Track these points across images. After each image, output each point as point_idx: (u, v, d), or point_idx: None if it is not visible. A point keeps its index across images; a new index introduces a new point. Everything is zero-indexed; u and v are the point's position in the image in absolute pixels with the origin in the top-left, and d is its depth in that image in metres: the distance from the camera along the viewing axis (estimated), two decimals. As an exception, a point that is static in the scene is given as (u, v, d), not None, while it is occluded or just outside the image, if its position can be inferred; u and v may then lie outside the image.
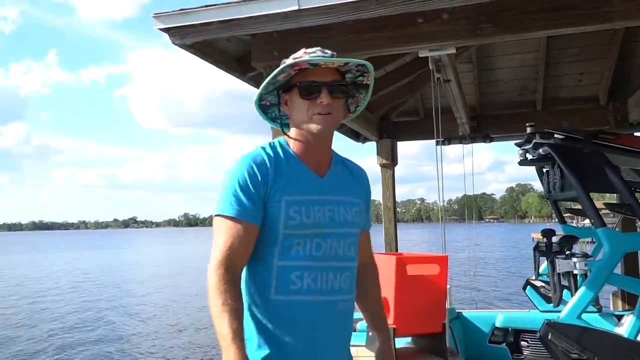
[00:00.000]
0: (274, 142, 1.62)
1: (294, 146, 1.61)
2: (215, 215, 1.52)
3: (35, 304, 17.83)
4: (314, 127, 1.56)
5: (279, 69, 1.53)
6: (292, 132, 1.62)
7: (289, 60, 1.55)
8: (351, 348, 2.80)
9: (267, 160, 1.54)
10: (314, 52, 1.56)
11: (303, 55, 1.55)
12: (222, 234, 1.48)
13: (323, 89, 1.54)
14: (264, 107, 1.68)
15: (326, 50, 1.58)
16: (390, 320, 2.55)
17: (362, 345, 2.84)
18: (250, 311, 1.55)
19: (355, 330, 4.54)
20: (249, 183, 1.50)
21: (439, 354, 2.63)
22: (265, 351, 1.51)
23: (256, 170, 1.51)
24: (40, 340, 11.96)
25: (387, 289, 2.58)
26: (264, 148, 1.58)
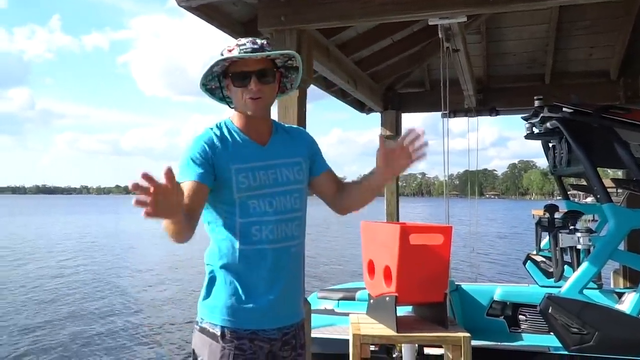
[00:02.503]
0: (220, 123, 1.92)
1: (237, 122, 1.91)
2: None
3: (57, 265, 17.98)
4: (247, 109, 1.86)
5: (213, 62, 1.79)
6: (236, 111, 1.92)
7: (225, 53, 1.80)
8: (353, 315, 2.81)
9: (214, 137, 1.84)
10: (244, 45, 1.80)
11: (235, 47, 1.80)
12: None
13: (252, 77, 1.81)
14: (211, 90, 1.94)
15: (257, 41, 1.83)
16: (392, 289, 2.54)
17: (364, 313, 2.85)
18: (221, 261, 1.83)
19: (354, 299, 4.55)
20: (198, 155, 1.79)
21: (440, 323, 2.62)
22: (234, 288, 1.80)
23: (206, 147, 1.81)
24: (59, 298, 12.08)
25: (390, 257, 2.56)
26: (211, 128, 1.89)
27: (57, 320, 10.25)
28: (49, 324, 9.85)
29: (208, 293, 1.85)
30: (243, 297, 1.81)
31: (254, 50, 1.79)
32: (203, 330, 1.83)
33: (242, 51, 1.79)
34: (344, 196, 2.04)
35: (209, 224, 1.89)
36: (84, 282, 14.75)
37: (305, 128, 3.73)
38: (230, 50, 1.80)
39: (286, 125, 2.07)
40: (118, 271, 16.83)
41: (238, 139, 1.88)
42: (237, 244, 1.81)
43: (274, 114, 3.47)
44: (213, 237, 1.88)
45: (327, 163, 2.08)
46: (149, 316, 10.66)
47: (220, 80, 1.90)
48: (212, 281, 1.85)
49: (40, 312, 10.92)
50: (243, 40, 1.82)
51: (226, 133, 1.88)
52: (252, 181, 1.82)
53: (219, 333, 1.79)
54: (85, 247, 24.44)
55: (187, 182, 1.75)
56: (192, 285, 13.45)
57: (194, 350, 1.86)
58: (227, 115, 1.97)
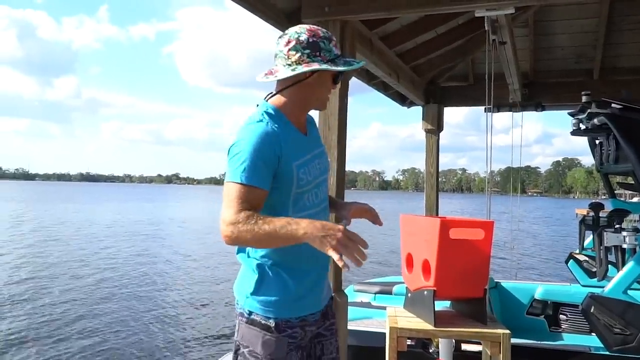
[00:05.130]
0: (269, 112, 1.82)
1: (286, 111, 1.85)
2: (230, 182, 1.70)
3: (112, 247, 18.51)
4: (322, 105, 1.92)
5: (359, 65, 1.85)
6: (294, 100, 1.86)
7: (335, 50, 1.83)
8: (390, 308, 2.80)
9: (275, 135, 1.76)
10: (345, 57, 1.88)
11: (335, 47, 1.84)
12: (238, 197, 1.67)
13: (341, 79, 1.91)
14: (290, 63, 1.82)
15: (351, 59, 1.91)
16: (431, 283, 2.52)
17: (401, 307, 2.84)
18: (272, 255, 1.82)
19: (391, 293, 4.54)
20: (266, 153, 1.71)
21: (479, 319, 2.59)
22: (286, 281, 1.83)
23: (271, 142, 1.73)
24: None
25: (429, 251, 2.54)
26: (267, 123, 1.78)
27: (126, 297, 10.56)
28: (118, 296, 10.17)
29: (259, 287, 1.84)
30: (294, 289, 1.85)
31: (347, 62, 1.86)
32: (253, 323, 1.83)
33: (346, 64, 1.83)
34: None
35: None
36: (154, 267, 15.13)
37: (346, 119, 3.73)
38: (336, 46, 1.85)
39: None
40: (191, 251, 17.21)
41: (291, 131, 1.85)
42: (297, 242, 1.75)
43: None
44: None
45: None
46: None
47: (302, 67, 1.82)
48: (262, 276, 1.84)
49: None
50: (336, 49, 1.85)
51: (281, 126, 1.81)
52: (308, 175, 1.83)
53: (273, 325, 1.81)
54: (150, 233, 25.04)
55: (253, 189, 1.69)
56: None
57: (238, 342, 1.87)
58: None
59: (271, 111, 1.83)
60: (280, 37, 1.85)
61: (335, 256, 1.53)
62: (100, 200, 67.17)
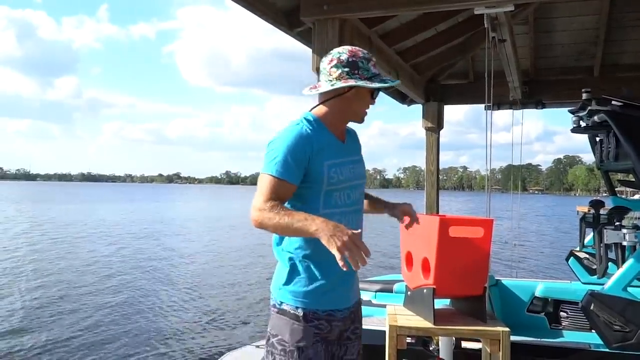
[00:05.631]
0: (307, 118, 2.04)
1: (325, 120, 2.06)
2: (264, 173, 1.92)
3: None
4: (360, 118, 2.11)
5: (393, 83, 2.07)
6: (333, 111, 2.06)
7: (372, 69, 2.04)
8: (390, 306, 2.81)
9: (310, 134, 1.97)
10: (380, 75, 2.05)
11: (372, 66, 2.04)
12: (269, 187, 1.89)
13: (376, 95, 2.10)
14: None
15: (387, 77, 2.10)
16: (430, 281, 2.52)
17: (401, 305, 2.85)
18: (302, 249, 1.99)
19: (392, 292, 4.54)
20: (297, 152, 1.92)
21: (479, 317, 2.59)
22: (314, 274, 1.98)
23: (304, 143, 1.94)
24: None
25: (429, 249, 2.54)
26: (304, 125, 2.00)
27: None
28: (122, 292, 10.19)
29: (290, 279, 2.00)
30: (323, 282, 1.99)
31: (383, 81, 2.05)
32: (283, 312, 2.00)
33: (381, 82, 2.01)
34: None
35: None
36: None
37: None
38: (374, 66, 2.05)
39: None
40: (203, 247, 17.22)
41: (327, 136, 2.05)
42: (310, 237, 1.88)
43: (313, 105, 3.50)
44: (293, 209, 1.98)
45: None
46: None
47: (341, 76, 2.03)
48: (293, 268, 2.00)
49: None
50: (374, 69, 2.04)
51: (317, 131, 2.02)
52: (340, 175, 2.01)
53: (301, 314, 1.97)
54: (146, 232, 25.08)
55: (280, 181, 1.90)
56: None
57: (269, 332, 2.03)
58: (288, 113, 2.13)
59: (310, 118, 2.05)
60: (325, 56, 2.09)
61: (337, 255, 1.66)
62: (108, 200, 67.22)
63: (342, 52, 2.04)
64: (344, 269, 1.67)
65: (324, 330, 2.00)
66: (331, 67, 2.03)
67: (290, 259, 2.02)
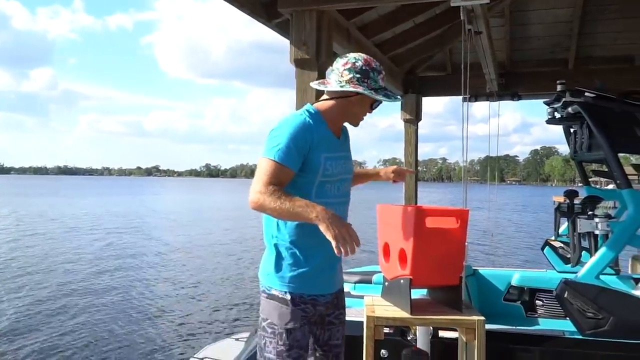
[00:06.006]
0: (310, 111, 2.17)
1: (326, 117, 2.19)
2: (266, 158, 2.03)
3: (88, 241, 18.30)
4: (357, 122, 2.27)
5: (396, 100, 2.29)
6: (335, 109, 2.20)
7: (380, 82, 2.19)
8: (367, 297, 2.83)
9: (312, 126, 2.11)
10: (394, 95, 2.23)
11: (382, 78, 2.20)
12: (269, 172, 2.00)
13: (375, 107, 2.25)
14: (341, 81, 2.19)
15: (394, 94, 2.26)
16: (407, 272, 2.55)
17: (378, 295, 2.87)
18: (290, 236, 2.12)
19: (371, 282, 4.57)
20: (299, 140, 2.04)
21: (455, 306, 2.63)
22: (301, 261, 2.12)
23: (306, 132, 2.07)
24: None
25: (405, 240, 2.57)
26: (306, 117, 2.14)
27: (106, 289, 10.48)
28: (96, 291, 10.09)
29: (277, 264, 2.14)
30: (307, 268, 2.13)
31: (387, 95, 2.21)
32: (272, 297, 2.13)
33: (386, 96, 2.18)
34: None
35: None
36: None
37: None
38: (383, 79, 2.21)
39: None
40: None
41: (325, 130, 2.18)
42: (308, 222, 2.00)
43: (294, 96, 3.49)
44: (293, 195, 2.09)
45: None
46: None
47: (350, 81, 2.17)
48: (280, 254, 2.14)
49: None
50: (382, 69, 2.21)
51: (317, 124, 2.15)
52: (334, 168, 2.15)
53: (289, 298, 2.10)
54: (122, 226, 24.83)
55: (282, 166, 2.02)
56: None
57: (260, 317, 2.16)
58: (268, 107, 2.26)
59: (312, 110, 2.19)
60: (340, 57, 2.21)
61: (333, 242, 1.82)
62: (88, 194, 66.28)
63: (358, 59, 2.16)
64: (337, 255, 1.83)
65: (309, 313, 2.14)
66: (344, 70, 2.15)
67: (276, 245, 2.15)
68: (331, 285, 2.26)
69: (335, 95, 2.20)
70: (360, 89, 2.13)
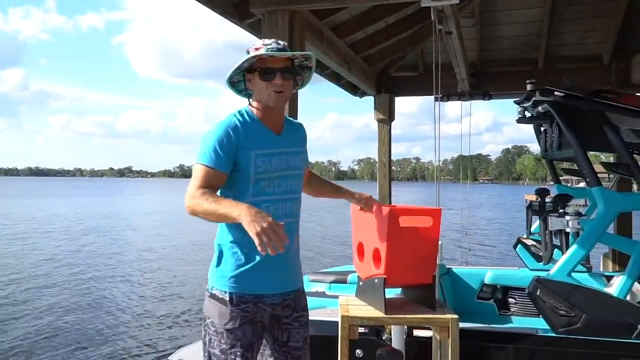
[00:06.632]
0: (241, 110, 2.16)
1: (257, 113, 2.16)
2: (197, 163, 2.06)
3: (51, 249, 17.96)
4: (271, 101, 2.12)
5: (243, 59, 2.06)
6: (255, 102, 2.17)
7: (252, 52, 2.07)
8: (342, 297, 2.82)
9: (238, 124, 2.09)
10: (270, 45, 2.08)
11: (261, 47, 2.07)
12: (200, 176, 2.03)
13: (277, 73, 2.08)
14: (232, 82, 2.20)
15: (279, 42, 2.11)
16: (381, 271, 2.55)
17: (353, 295, 2.86)
18: (230, 234, 2.11)
19: (346, 282, 4.56)
20: (224, 142, 2.04)
21: (429, 305, 2.63)
22: (241, 259, 2.09)
23: (231, 133, 2.06)
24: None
25: (379, 240, 2.56)
26: (234, 115, 2.13)
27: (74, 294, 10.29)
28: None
29: (218, 263, 2.13)
30: (248, 267, 2.09)
31: (279, 50, 2.07)
32: (213, 296, 2.11)
33: (269, 50, 2.05)
34: (319, 189, 2.58)
35: None
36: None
37: (296, 109, 3.73)
38: (257, 49, 2.07)
39: (290, 119, 2.37)
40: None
41: (258, 127, 2.14)
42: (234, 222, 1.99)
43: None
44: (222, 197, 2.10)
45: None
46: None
47: (244, 75, 2.15)
48: (221, 253, 2.12)
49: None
50: (268, 41, 2.10)
51: (248, 121, 2.13)
52: (268, 165, 2.10)
53: (227, 298, 2.08)
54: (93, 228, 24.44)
55: (211, 170, 2.03)
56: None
57: (204, 314, 2.14)
58: (242, 104, 2.21)
59: (242, 111, 2.17)
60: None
61: (255, 240, 1.77)
62: (59, 195, 65.16)
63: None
64: (262, 253, 1.78)
65: (250, 312, 2.09)
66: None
67: (219, 245, 2.15)
68: (279, 284, 2.17)
69: (251, 91, 2.19)
70: (228, 74, 2.14)
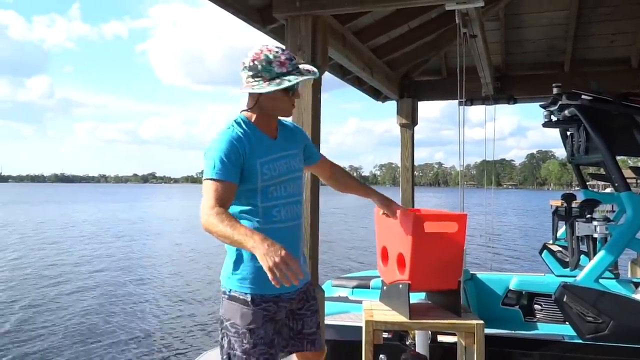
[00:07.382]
0: (237, 120, 2.16)
1: (255, 120, 2.17)
2: (206, 179, 2.04)
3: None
4: (288, 112, 2.22)
5: (293, 82, 2.06)
6: (258, 111, 2.16)
7: (277, 67, 2.06)
8: (366, 302, 2.81)
9: (242, 136, 2.09)
10: (293, 60, 2.11)
11: (285, 62, 2.07)
12: (212, 191, 2.00)
13: (297, 89, 2.16)
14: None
15: (292, 55, 2.14)
16: (406, 276, 2.53)
17: (377, 300, 2.85)
18: None
19: (369, 287, 4.55)
20: (231, 153, 2.04)
21: (453, 310, 2.61)
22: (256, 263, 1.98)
23: (236, 144, 2.06)
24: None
25: (404, 245, 2.55)
26: (234, 127, 2.12)
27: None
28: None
29: (236, 267, 2.14)
30: None
31: (299, 65, 2.12)
32: (232, 298, 2.13)
33: (297, 69, 2.09)
34: (347, 184, 2.60)
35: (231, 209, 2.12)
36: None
37: (319, 114, 3.73)
38: (282, 63, 2.07)
39: (282, 120, 2.34)
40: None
41: (257, 134, 2.15)
42: (259, 225, 2.09)
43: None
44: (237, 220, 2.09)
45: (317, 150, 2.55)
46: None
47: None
48: (239, 257, 2.13)
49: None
50: (285, 54, 2.10)
51: (247, 130, 2.13)
52: (273, 171, 2.13)
53: (249, 299, 2.11)
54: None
55: (222, 183, 2.02)
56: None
57: (222, 316, 2.17)
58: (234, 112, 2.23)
59: (239, 120, 2.16)
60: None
61: (269, 274, 1.75)
62: (85, 200, 66.17)
63: (248, 56, 2.09)
64: (276, 286, 1.76)
65: (271, 311, 2.14)
66: (241, 71, 2.13)
67: (237, 248, 2.12)
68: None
69: (251, 99, 2.17)
70: (256, 89, 2.07)
